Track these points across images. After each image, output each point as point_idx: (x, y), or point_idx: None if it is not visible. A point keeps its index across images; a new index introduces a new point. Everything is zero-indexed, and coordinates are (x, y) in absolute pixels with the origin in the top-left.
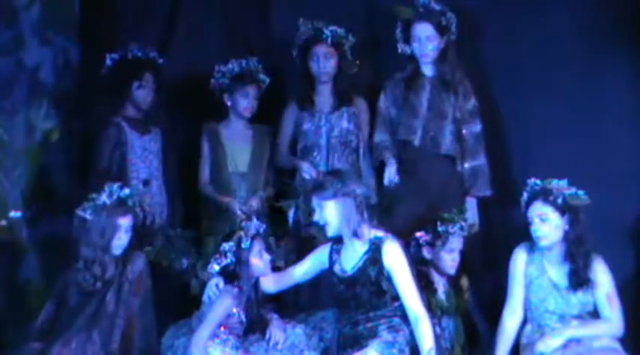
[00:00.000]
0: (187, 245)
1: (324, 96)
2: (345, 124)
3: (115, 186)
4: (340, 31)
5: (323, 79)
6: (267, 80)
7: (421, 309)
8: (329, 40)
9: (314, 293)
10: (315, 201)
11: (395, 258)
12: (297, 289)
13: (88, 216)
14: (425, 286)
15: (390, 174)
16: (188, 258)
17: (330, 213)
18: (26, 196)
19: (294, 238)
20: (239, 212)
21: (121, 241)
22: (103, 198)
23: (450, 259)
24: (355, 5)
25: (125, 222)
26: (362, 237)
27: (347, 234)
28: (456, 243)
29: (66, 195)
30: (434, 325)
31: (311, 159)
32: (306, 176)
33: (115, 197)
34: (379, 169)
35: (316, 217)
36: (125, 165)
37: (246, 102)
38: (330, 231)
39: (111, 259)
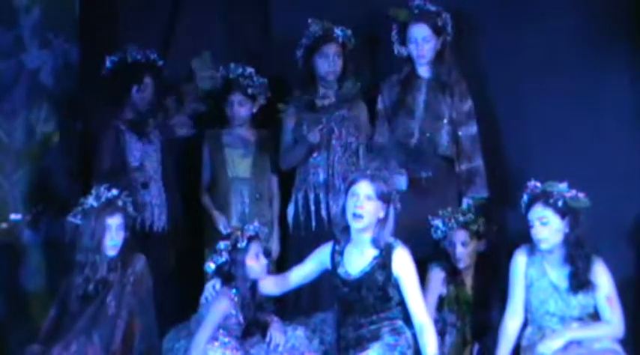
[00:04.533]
0: None
1: (326, 97)
2: (345, 126)
3: (102, 187)
4: (348, 32)
5: (330, 79)
6: (260, 82)
7: (427, 318)
8: (339, 40)
9: (314, 295)
10: (366, 190)
11: (405, 265)
12: (297, 291)
13: (78, 221)
14: (453, 281)
15: (401, 184)
16: None
17: (374, 210)
18: (26, 199)
19: (294, 239)
20: (224, 230)
21: (113, 241)
22: (90, 201)
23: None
24: (353, 6)
25: (114, 221)
26: (379, 244)
27: (367, 234)
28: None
29: (66, 197)
30: (459, 319)
31: (311, 160)
32: (312, 137)
33: (102, 199)
34: None
35: (357, 203)
36: (124, 169)
37: (230, 110)
38: (359, 225)
39: (103, 260)
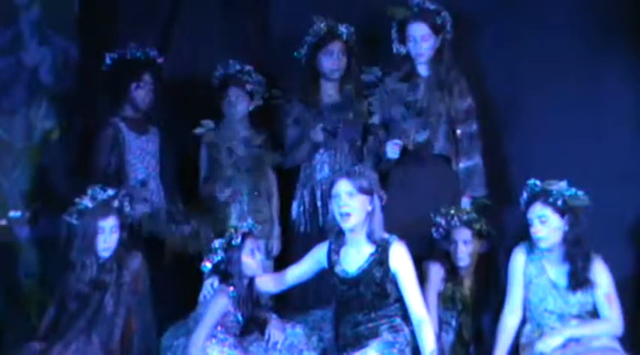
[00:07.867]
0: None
1: (330, 95)
2: (350, 123)
3: (98, 188)
4: (352, 29)
5: (334, 76)
6: (258, 79)
7: (425, 313)
8: (344, 37)
9: (321, 292)
10: (346, 188)
11: (402, 261)
12: (304, 288)
13: (73, 220)
14: (452, 279)
15: (394, 152)
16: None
17: (360, 205)
18: (26, 196)
19: (297, 235)
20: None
21: (106, 244)
22: (86, 201)
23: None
24: (353, 4)
25: (107, 223)
26: (374, 239)
27: (360, 232)
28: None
29: (65, 194)
30: (455, 318)
31: (317, 157)
32: (314, 136)
33: (97, 200)
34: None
35: (341, 202)
36: (122, 166)
37: (227, 105)
38: (349, 224)
39: (96, 262)
